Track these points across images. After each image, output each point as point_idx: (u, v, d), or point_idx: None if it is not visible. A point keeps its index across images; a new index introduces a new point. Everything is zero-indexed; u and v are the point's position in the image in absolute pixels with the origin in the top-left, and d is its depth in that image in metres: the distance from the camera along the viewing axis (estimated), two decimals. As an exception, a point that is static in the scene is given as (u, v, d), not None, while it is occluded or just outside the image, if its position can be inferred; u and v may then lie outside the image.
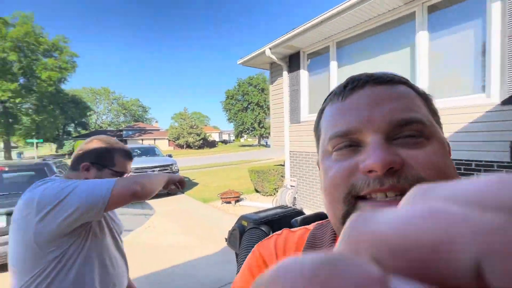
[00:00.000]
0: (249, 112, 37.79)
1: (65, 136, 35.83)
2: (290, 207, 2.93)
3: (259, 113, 37.23)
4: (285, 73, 5.54)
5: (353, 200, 0.29)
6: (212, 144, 41.61)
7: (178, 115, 42.16)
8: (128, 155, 1.07)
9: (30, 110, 25.21)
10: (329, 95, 0.37)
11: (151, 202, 6.74)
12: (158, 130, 45.56)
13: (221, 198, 6.22)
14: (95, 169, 0.97)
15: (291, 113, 5.52)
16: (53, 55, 26.22)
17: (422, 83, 3.44)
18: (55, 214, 0.80)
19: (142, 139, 38.31)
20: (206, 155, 26.31)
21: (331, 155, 0.32)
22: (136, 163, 7.30)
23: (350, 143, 0.31)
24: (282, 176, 6.39)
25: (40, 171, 3.54)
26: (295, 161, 5.60)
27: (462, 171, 3.12)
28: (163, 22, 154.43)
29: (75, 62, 27.94)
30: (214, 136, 51.54)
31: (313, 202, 5.21)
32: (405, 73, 3.70)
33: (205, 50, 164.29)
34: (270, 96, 6.43)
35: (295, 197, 5.33)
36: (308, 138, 5.19)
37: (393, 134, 0.29)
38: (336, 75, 4.65)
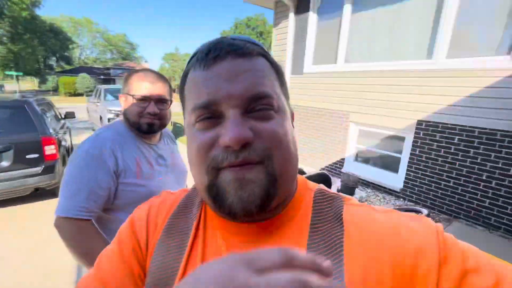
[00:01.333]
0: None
1: (47, 71, 33.49)
2: None
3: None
4: (291, 15, 4.93)
5: (214, 171, 0.33)
6: (205, 90, 40.23)
7: (169, 55, 39.50)
8: (137, 77, 1.01)
9: (4, 38, 22.87)
10: (192, 57, 0.38)
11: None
12: (148, 70, 43.19)
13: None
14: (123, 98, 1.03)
15: (293, 63, 5.11)
16: (23, -28, 22.65)
17: (443, 37, 3.11)
18: None
19: (132, 79, 36.49)
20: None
21: (195, 125, 0.35)
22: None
23: (211, 114, 0.33)
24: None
25: (21, 108, 3.26)
26: (296, 115, 5.42)
27: (464, 137, 3.06)
28: None
29: (50, -17, 24.37)
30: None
31: (306, 157, 5.24)
32: (426, 24, 3.33)
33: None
34: (272, 40, 5.86)
35: (289, 151, 5.33)
36: (309, 92, 4.93)
37: (249, 107, 0.33)
38: (349, 22, 4.16)
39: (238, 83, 0.32)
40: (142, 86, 0.97)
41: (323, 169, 4.90)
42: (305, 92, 5.00)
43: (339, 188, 3.79)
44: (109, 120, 6.57)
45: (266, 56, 0.37)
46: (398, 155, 3.82)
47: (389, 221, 0.34)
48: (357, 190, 3.76)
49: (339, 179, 3.97)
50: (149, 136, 1.05)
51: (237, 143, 0.30)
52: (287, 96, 0.39)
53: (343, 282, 0.30)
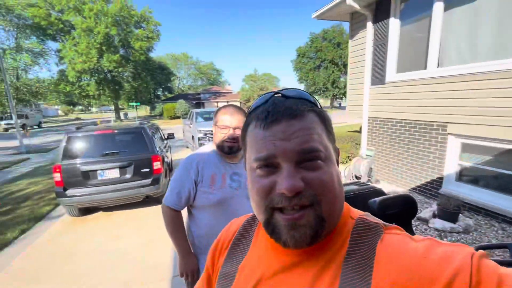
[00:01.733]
0: (321, 71, 35.03)
1: (155, 100, 41.50)
2: (368, 184, 2.65)
3: (333, 72, 34.11)
4: (369, 24, 4.69)
5: (271, 210, 0.40)
6: (281, 106, 41.21)
7: (249, 77, 42.76)
8: (222, 111, 1.30)
9: (129, 78, 29.75)
10: (251, 111, 0.45)
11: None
12: (231, 92, 47.68)
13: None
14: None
15: (373, 73, 4.78)
16: (142, 26, 29.31)
17: None
18: None
19: (217, 102, 41.05)
20: (275, 117, 26.40)
21: (255, 171, 0.42)
22: (210, 126, 7.90)
23: (269, 164, 0.41)
24: (357, 144, 5.89)
25: (139, 133, 4.20)
26: (374, 128, 5.00)
27: None
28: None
29: (159, 30, 30.66)
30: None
31: (391, 175, 4.68)
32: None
33: (275, 6, 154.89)
34: (349, 53, 5.67)
35: (371, 168, 4.88)
36: (393, 103, 4.47)
37: (300, 160, 0.39)
38: (441, 21, 3.64)
39: (291, 141, 0.39)
40: (224, 118, 1.28)
41: (414, 189, 4.26)
42: (388, 103, 4.57)
43: (436, 212, 3.22)
44: (199, 138, 7.58)
45: (315, 110, 0.43)
46: (523, 175, 2.98)
47: (421, 248, 0.36)
48: (461, 216, 3.10)
49: (435, 202, 3.38)
50: (230, 156, 1.33)
51: (291, 192, 0.37)
52: (333, 140, 0.46)
53: None
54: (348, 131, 6.93)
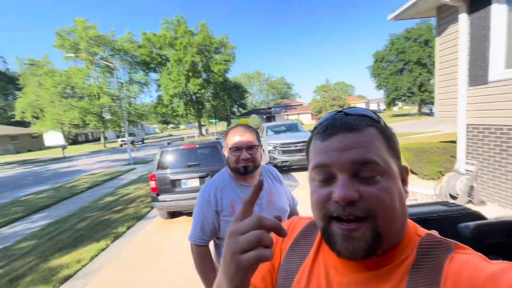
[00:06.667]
0: (405, 74, 31.10)
1: (231, 116, 45.13)
2: (458, 205, 2.19)
3: (420, 74, 29.73)
4: (462, 16, 3.99)
5: (328, 219, 0.43)
6: (357, 116, 38.51)
7: (320, 87, 41.79)
8: (231, 132, 1.26)
9: (210, 98, 33.44)
10: (314, 129, 0.49)
11: (295, 174, 7.27)
12: (301, 104, 47.62)
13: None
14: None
15: (471, 71, 4.00)
16: (220, 51, 32.81)
17: None
18: None
19: (288, 115, 41.58)
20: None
21: (315, 181, 0.45)
22: (281, 138, 8.02)
23: (327, 175, 0.43)
24: (452, 157, 4.94)
25: (215, 147, 4.66)
26: (475, 137, 4.11)
27: None
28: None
29: (234, 53, 33.65)
30: (360, 107, 47.22)
31: (502, 196, 3.70)
32: None
33: (345, 10, 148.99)
34: (436, 52, 4.93)
35: (472, 186, 3.98)
36: (501, 106, 3.61)
37: (356, 171, 0.41)
38: None
39: (346, 153, 0.41)
40: (235, 139, 1.22)
41: (542, 215, 3.25)
42: (494, 106, 3.71)
43: None
44: (269, 151, 7.81)
45: (376, 125, 0.44)
46: None
47: (495, 270, 0.34)
48: None
49: None
50: (246, 178, 1.26)
51: (344, 200, 0.39)
52: (397, 157, 0.45)
53: None
54: (441, 141, 5.89)
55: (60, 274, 3.19)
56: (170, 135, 50.81)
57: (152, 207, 5.50)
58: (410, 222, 0.46)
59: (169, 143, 4.82)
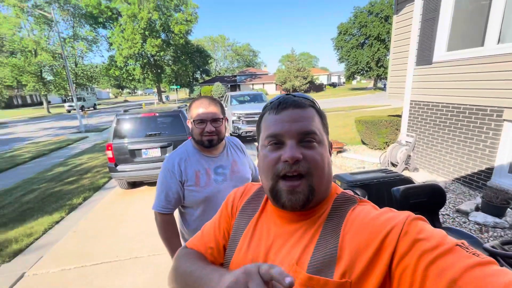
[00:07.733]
0: (365, 48, 32.34)
1: (194, 82, 42.97)
2: (394, 172, 2.56)
3: (378, 49, 31.24)
4: (417, -4, 4.22)
5: (276, 178, 0.52)
6: (319, 88, 39.73)
7: (285, 57, 41.59)
8: (195, 104, 1.26)
9: (170, 61, 31.08)
10: (266, 106, 0.58)
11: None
12: (267, 74, 47.07)
13: (323, 147, 6.12)
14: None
15: (419, 52, 4.36)
16: (181, 9, 29.93)
17: None
18: None
19: (253, 84, 40.99)
20: (312, 99, 25.60)
21: (267, 147, 0.54)
22: (246, 109, 8.03)
23: (277, 141, 0.53)
24: (397, 129, 5.53)
25: (177, 116, 4.51)
26: (416, 113, 4.64)
27: None
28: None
29: (197, 13, 31.02)
30: (322, 79, 48.45)
31: (432, 164, 4.36)
32: None
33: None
34: (392, 30, 5.21)
35: (409, 155, 4.59)
36: (440, 85, 4.08)
37: (301, 139, 0.52)
38: (506, -12, 3.14)
39: (295, 124, 0.52)
40: (199, 111, 1.22)
41: (458, 180, 3.95)
42: (434, 85, 4.17)
43: (479, 205, 2.99)
44: (233, 121, 7.81)
45: (314, 106, 0.57)
46: None
47: (377, 213, 0.48)
48: (509, 211, 2.83)
49: (480, 195, 3.12)
50: (211, 150, 1.29)
51: (292, 159, 0.49)
52: (327, 132, 0.58)
53: (337, 247, 0.47)
54: (390, 115, 6.50)
55: (8, 249, 3.01)
56: (126, 100, 46.87)
57: (110, 178, 5.28)
58: (333, 184, 0.58)
59: (126, 111, 4.52)
